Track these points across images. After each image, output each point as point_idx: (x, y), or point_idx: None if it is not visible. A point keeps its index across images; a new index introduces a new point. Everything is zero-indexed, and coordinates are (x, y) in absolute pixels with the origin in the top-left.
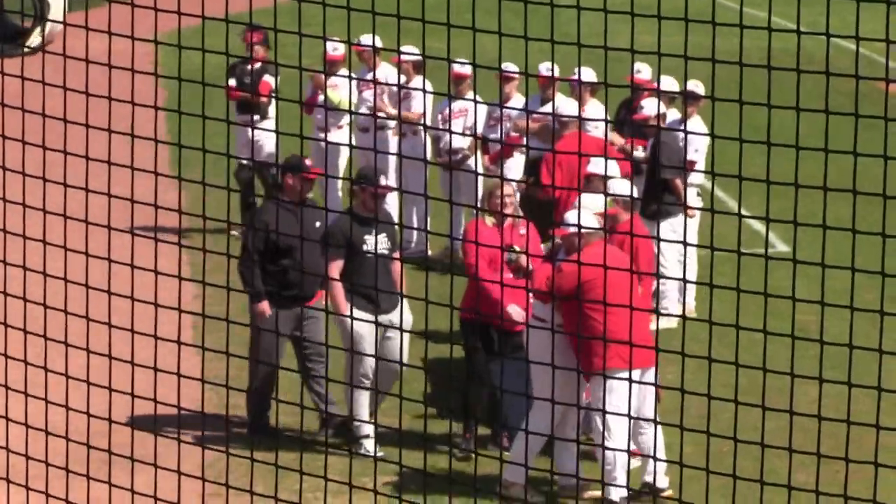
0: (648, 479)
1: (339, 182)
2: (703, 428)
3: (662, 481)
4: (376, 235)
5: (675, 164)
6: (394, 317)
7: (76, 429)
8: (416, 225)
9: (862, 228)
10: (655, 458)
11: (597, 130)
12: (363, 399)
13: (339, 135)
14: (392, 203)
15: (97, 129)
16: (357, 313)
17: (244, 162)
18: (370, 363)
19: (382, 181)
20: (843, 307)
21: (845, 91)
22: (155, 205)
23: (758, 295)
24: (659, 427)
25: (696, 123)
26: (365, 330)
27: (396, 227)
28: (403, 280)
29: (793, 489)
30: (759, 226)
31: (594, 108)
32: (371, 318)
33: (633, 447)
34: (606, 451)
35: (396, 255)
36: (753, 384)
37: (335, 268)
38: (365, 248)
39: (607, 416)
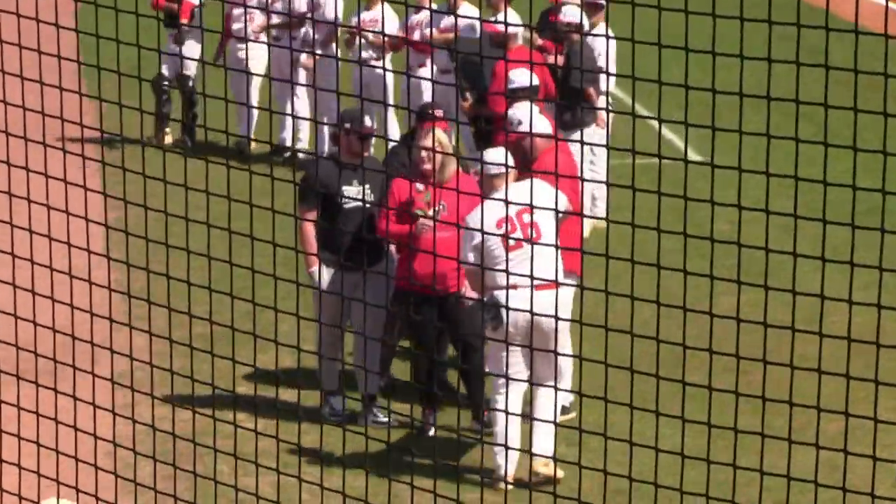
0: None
1: (256, 94)
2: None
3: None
4: (362, 185)
5: (587, 72)
6: (366, 276)
7: None
8: (327, 138)
9: (779, 142)
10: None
11: (516, 42)
12: (327, 361)
13: (259, 46)
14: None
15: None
16: (322, 267)
17: (164, 72)
18: (334, 321)
19: (368, 123)
20: (757, 210)
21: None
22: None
23: (674, 202)
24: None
25: (602, 31)
26: (329, 285)
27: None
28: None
29: (714, 390)
30: (670, 135)
31: (510, 17)
32: (336, 273)
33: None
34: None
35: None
36: (668, 295)
37: (308, 216)
38: (342, 197)
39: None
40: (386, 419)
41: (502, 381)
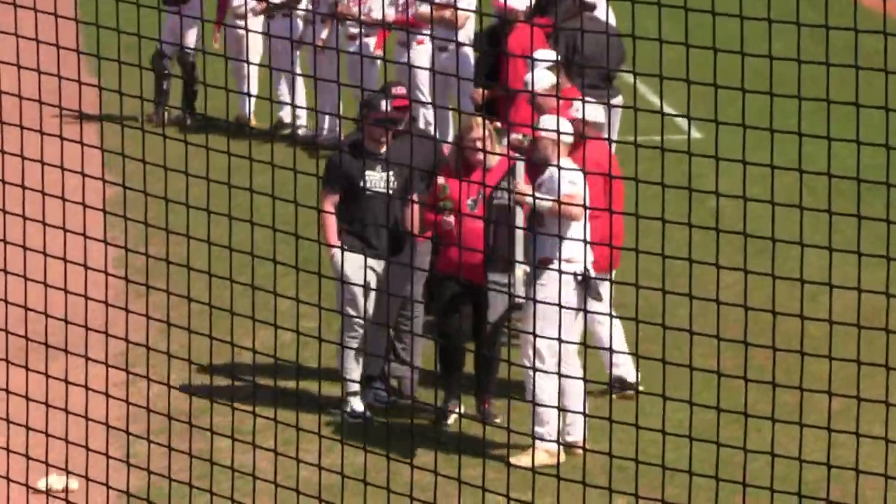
0: (617, 372)
1: (255, 70)
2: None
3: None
4: (385, 172)
5: (595, 55)
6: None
7: None
8: (328, 111)
9: (777, 117)
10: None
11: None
12: (352, 347)
13: (256, 21)
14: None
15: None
16: (345, 254)
17: (163, 50)
18: (359, 307)
19: (385, 107)
20: (764, 202)
21: None
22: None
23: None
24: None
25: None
26: (351, 272)
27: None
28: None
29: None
30: (671, 110)
31: None
32: (359, 259)
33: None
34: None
35: (413, 196)
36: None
37: (328, 202)
38: (363, 184)
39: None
40: (386, 399)
41: (556, 349)
